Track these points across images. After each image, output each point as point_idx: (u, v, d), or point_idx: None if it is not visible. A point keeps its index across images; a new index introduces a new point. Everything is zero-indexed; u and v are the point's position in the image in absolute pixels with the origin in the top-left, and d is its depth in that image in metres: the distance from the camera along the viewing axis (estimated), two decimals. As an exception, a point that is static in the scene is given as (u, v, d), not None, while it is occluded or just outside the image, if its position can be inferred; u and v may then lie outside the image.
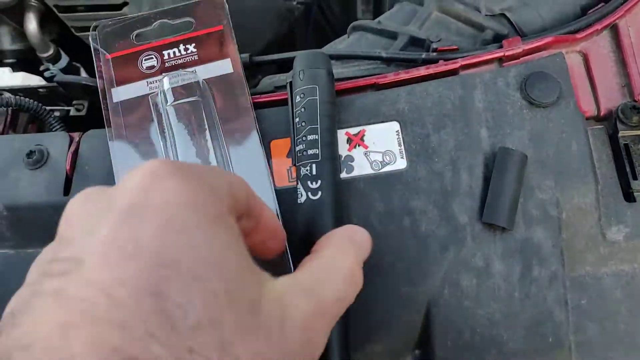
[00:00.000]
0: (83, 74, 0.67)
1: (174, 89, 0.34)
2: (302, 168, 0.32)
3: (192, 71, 0.36)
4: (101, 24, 0.38)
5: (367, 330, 0.33)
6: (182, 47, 0.37)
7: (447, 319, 0.33)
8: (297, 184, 0.32)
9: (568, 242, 0.35)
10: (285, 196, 0.35)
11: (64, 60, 0.64)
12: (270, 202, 0.34)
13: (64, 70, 0.64)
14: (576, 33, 0.38)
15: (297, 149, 0.33)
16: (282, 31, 0.67)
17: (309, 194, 0.31)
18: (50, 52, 0.62)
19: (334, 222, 0.31)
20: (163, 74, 0.36)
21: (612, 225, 0.35)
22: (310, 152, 0.32)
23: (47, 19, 0.62)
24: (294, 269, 0.30)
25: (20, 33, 0.62)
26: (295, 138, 0.33)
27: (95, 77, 0.41)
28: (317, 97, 0.33)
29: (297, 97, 0.34)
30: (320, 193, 0.31)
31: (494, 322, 0.33)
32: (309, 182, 0.32)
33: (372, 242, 0.33)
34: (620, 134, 0.36)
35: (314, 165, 0.32)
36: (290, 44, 0.81)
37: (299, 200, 0.32)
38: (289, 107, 0.36)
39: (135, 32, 0.37)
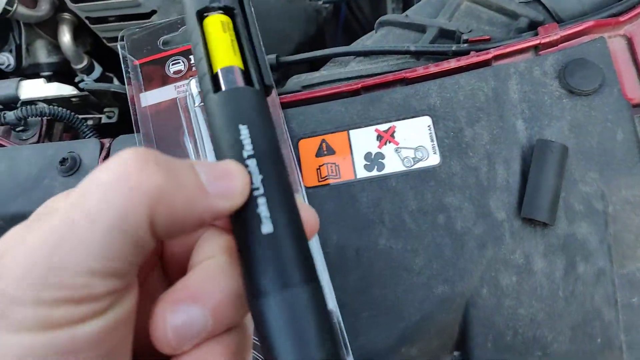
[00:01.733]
0: (116, 83, 0.68)
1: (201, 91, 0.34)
2: None
3: (219, 73, 0.36)
4: (129, 32, 0.38)
5: (403, 332, 0.32)
6: (208, 50, 0.37)
7: (486, 320, 0.32)
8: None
9: (616, 237, 0.33)
10: (314, 197, 0.35)
11: (98, 70, 0.65)
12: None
13: (98, 81, 0.65)
14: (619, 16, 0.36)
15: None
16: (310, 32, 0.66)
17: None
18: (84, 63, 0.63)
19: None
20: (190, 77, 0.36)
21: (664, 218, 0.33)
22: None
23: (80, 31, 0.64)
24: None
25: (55, 46, 0.64)
26: None
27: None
28: None
29: None
30: None
31: (536, 322, 0.31)
32: None
33: (406, 241, 0.33)
34: (670, 120, 0.34)
35: None
36: (320, 44, 0.80)
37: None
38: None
39: (162, 38, 0.38)
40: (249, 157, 0.19)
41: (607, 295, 0.31)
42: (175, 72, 0.37)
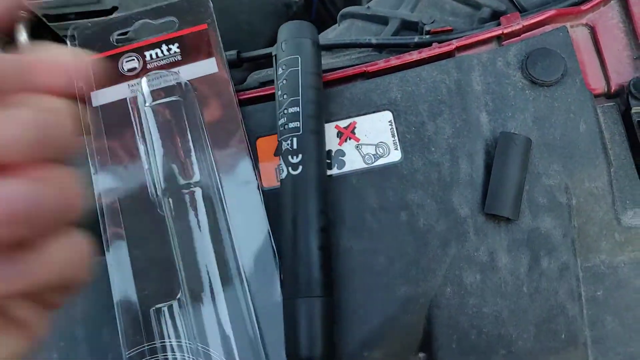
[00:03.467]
0: (80, 81, 0.66)
1: (153, 91, 0.33)
2: (284, 142, 0.31)
3: (176, 72, 0.34)
4: (81, 26, 0.37)
5: (365, 336, 0.31)
6: (164, 47, 0.35)
7: (450, 319, 0.31)
8: (280, 160, 0.31)
9: (580, 230, 0.32)
10: (272, 197, 0.33)
11: (60, 69, 0.63)
12: (257, 204, 0.33)
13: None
14: (581, 4, 0.36)
15: (279, 122, 0.32)
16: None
17: (290, 168, 0.30)
18: (45, 62, 0.61)
19: (317, 197, 0.30)
20: (144, 75, 0.35)
21: (628, 209, 0.32)
22: (291, 125, 0.31)
23: (39, 29, 0.61)
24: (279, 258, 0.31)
25: (11, 45, 0.61)
26: (277, 112, 0.32)
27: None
28: (299, 68, 0.32)
29: (280, 69, 0.32)
30: (301, 168, 0.30)
31: (501, 320, 0.31)
32: (289, 157, 0.30)
33: (367, 240, 0.32)
34: (634, 110, 0.33)
35: (294, 139, 0.31)
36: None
37: (280, 176, 0.31)
38: (274, 82, 0.34)
39: (115, 34, 0.36)
40: None
41: (571, 290, 0.31)
42: (129, 70, 0.35)
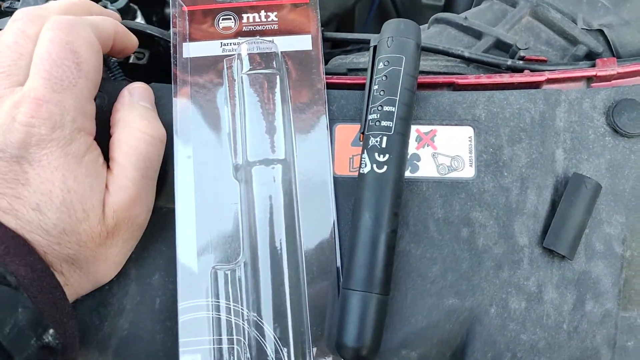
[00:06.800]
0: (139, 18, 0.65)
1: (251, 56, 0.33)
2: (372, 138, 0.31)
3: (271, 41, 0.34)
4: (182, -25, 0.36)
5: (406, 336, 0.32)
6: (263, 13, 0.35)
7: (489, 338, 0.32)
8: (363, 152, 0.32)
9: (626, 281, 0.33)
10: (342, 185, 0.34)
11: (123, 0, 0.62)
12: (327, 189, 0.33)
13: (122, 11, 0.62)
14: (676, 64, 0.36)
15: (370, 117, 0.32)
16: (347, 5, 0.64)
17: (374, 166, 0.31)
18: (111, -11, 0.60)
19: (394, 199, 0.31)
20: (239, 37, 0.35)
21: (676, 273, 0.34)
22: (383, 123, 0.31)
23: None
24: (340, 243, 0.33)
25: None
26: (370, 106, 0.32)
27: (160, 28, 0.40)
28: (402, 68, 0.32)
29: (381, 63, 0.33)
30: (385, 167, 0.31)
31: (536, 350, 0.32)
32: (376, 154, 0.31)
33: (426, 247, 0.32)
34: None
35: (384, 138, 0.31)
36: (349, 21, 0.78)
37: (361, 169, 0.31)
38: (367, 72, 0.34)
39: (216, -11, 0.36)
40: None
41: (608, 337, 0.32)
42: (224, 28, 0.35)
